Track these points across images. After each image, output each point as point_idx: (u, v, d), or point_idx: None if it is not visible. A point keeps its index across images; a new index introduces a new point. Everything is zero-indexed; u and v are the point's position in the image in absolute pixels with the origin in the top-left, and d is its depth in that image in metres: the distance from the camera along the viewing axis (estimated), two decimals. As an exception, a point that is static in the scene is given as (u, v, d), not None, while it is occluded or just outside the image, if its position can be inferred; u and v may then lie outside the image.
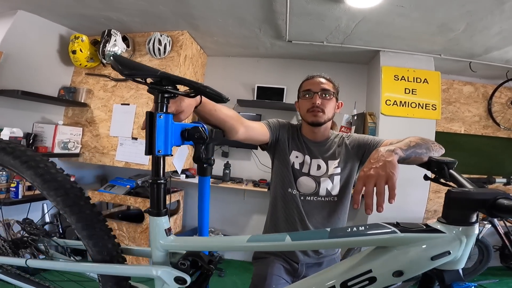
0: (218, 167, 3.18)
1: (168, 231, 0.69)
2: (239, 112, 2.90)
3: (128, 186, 2.71)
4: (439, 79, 2.75)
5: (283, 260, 1.21)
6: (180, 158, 2.89)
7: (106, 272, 0.71)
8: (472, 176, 3.11)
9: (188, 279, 0.67)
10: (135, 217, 2.80)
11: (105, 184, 2.84)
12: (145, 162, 2.55)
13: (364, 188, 0.71)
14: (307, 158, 1.22)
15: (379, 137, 1.19)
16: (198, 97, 0.79)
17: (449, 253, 0.55)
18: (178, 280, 0.67)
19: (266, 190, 2.85)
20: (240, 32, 2.65)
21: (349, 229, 0.61)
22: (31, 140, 2.36)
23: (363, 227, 0.61)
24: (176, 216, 3.00)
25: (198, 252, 0.70)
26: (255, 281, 1.16)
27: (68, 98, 2.64)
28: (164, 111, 0.66)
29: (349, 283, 0.60)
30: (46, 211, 2.59)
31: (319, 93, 1.17)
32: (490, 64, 2.74)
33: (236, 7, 2.21)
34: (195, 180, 2.95)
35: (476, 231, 0.56)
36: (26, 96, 2.27)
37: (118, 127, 2.62)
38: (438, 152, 0.92)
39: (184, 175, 2.95)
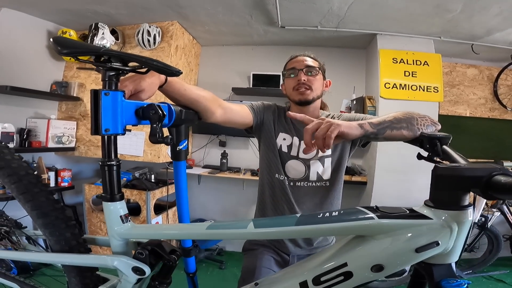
0: (215, 157, 3.15)
1: (125, 218, 0.65)
2: (240, 101, 2.87)
3: (124, 178, 2.71)
4: (440, 61, 2.64)
5: (273, 251, 1.15)
6: (176, 148, 2.87)
7: (59, 262, 0.68)
8: (479, 160, 3.01)
9: (147, 270, 0.63)
10: (133, 210, 2.79)
11: (102, 178, 2.85)
12: (140, 153, 2.54)
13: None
14: (296, 139, 1.14)
15: (371, 116, 1.13)
16: (163, 76, 0.75)
17: (437, 244, 0.46)
18: (136, 270, 0.63)
19: (264, 179, 2.82)
20: (231, 20, 2.58)
21: (321, 215, 0.55)
22: (25, 135, 2.36)
23: (336, 213, 0.54)
24: (175, 208, 3.00)
25: (159, 241, 0.66)
26: (244, 273, 1.11)
27: (60, 93, 2.63)
28: (113, 88, 0.61)
29: (322, 278, 0.53)
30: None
31: (304, 70, 1.11)
32: (493, 46, 2.62)
33: (223, -7, 2.14)
34: (193, 170, 2.94)
35: (470, 217, 0.47)
36: (16, 92, 2.26)
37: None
38: (428, 127, 0.83)
39: (180, 166, 2.92)
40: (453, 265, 0.50)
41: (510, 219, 2.66)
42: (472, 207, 0.48)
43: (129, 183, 2.70)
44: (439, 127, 0.86)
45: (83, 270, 0.71)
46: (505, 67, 2.93)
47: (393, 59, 2.62)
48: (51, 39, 0.59)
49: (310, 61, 1.13)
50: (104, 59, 0.61)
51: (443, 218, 0.47)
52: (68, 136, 2.59)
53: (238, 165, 3.15)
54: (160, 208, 2.77)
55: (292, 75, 1.14)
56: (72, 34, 2.52)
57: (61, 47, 0.58)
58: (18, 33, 2.42)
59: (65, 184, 2.66)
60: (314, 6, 2.20)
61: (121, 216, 0.64)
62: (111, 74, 0.61)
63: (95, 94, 0.59)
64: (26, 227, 0.94)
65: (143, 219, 2.56)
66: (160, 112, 0.65)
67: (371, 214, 0.51)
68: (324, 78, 1.18)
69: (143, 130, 2.55)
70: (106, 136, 0.62)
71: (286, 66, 1.19)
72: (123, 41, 2.66)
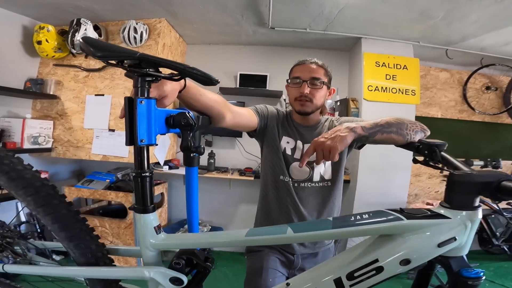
0: (202, 157, 3.09)
1: (158, 229, 0.64)
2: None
3: (107, 180, 2.58)
4: (418, 65, 2.80)
5: (278, 252, 1.18)
6: (162, 148, 2.80)
7: (94, 276, 0.65)
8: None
9: (185, 279, 0.63)
10: (118, 212, 2.69)
11: (82, 179, 2.70)
12: (125, 154, 2.44)
13: (315, 152, 0.86)
14: (299, 143, 1.18)
15: (367, 119, 1.18)
16: (182, 80, 0.73)
17: (455, 239, 0.53)
18: (174, 281, 0.62)
19: (252, 178, 2.77)
20: (221, 19, 2.55)
21: (353, 217, 0.59)
22: (-2, 136, 2.18)
23: (367, 215, 0.59)
24: (161, 209, 2.93)
25: (192, 250, 0.66)
26: (250, 274, 1.13)
27: (35, 90, 2.45)
28: (146, 96, 0.59)
29: (356, 274, 0.58)
30: (19, 209, 2.43)
31: (308, 82, 1.12)
32: (466, 51, 2.80)
33: (216, -8, 2.10)
34: (179, 171, 2.88)
35: (480, 216, 0.55)
36: (-14, 89, 2.08)
37: (93, 119, 2.48)
38: (417, 133, 0.89)
39: (167, 167, 2.85)
40: (465, 257, 0.57)
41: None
42: (481, 207, 0.56)
43: (113, 184, 2.59)
44: (428, 133, 0.92)
45: (110, 281, 0.69)
46: (474, 71, 3.14)
47: (376, 62, 2.74)
48: (81, 39, 0.56)
49: (316, 72, 1.13)
50: (134, 64, 0.59)
51: (459, 217, 0.54)
52: (45, 136, 2.43)
53: (225, 165, 3.13)
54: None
55: (296, 83, 1.15)
56: (51, 30, 2.35)
57: (94, 49, 0.55)
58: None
59: (41, 187, 2.49)
60: (306, 9, 2.24)
61: (154, 228, 0.63)
62: (146, 80, 0.58)
63: (129, 102, 0.57)
64: (30, 237, 0.88)
65: (130, 222, 2.47)
66: (192, 120, 0.64)
67: (400, 216, 0.57)
68: (329, 87, 1.20)
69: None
70: (140, 147, 0.60)
71: (292, 71, 1.20)
72: (106, 37, 2.53)
